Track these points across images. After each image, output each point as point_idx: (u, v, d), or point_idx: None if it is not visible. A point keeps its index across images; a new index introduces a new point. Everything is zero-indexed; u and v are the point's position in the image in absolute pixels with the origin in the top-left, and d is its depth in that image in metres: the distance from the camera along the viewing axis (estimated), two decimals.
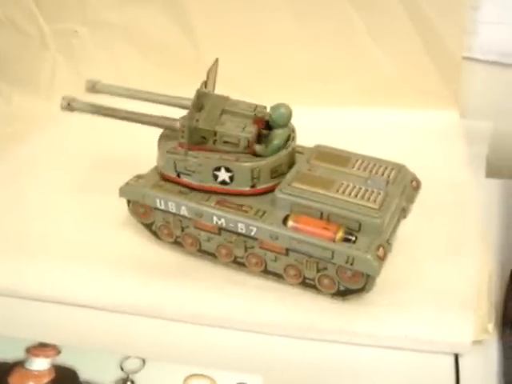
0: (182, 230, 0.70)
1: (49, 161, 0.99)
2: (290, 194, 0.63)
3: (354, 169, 0.67)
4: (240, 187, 0.67)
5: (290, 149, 0.67)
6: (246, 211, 0.65)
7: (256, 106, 0.71)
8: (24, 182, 0.93)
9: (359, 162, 0.68)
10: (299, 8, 1.05)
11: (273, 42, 1.08)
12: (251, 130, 0.65)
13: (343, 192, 0.63)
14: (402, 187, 0.66)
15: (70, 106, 0.72)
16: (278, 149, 0.65)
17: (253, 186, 0.66)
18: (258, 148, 0.66)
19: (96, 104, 0.72)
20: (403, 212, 0.67)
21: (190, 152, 0.67)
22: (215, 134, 0.66)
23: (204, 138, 0.66)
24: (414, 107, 1.02)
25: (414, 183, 0.70)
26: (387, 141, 0.93)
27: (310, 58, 1.06)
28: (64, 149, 1.03)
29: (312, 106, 1.00)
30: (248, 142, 0.65)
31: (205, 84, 0.67)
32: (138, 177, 0.72)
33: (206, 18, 1.07)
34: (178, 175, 0.69)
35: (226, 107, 0.68)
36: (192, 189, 0.69)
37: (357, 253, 0.59)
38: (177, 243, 0.72)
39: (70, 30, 1.14)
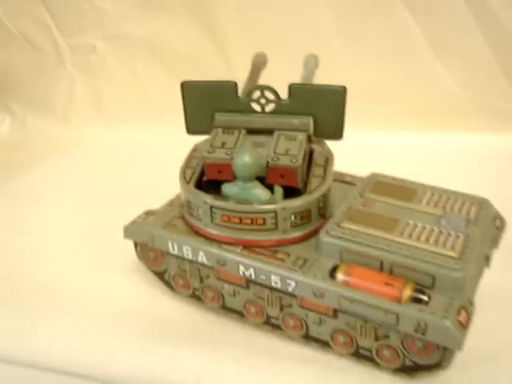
0: (202, 280, 0.62)
1: (57, 190, 0.94)
2: (340, 238, 0.55)
3: (423, 204, 0.59)
4: None
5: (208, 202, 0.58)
6: (281, 259, 0.56)
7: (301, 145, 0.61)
8: (25, 216, 0.86)
9: (428, 194, 0.60)
10: (344, 15, 0.96)
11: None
12: (221, 157, 0.60)
13: (410, 235, 0.54)
14: (485, 227, 0.57)
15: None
16: (227, 197, 0.59)
17: None
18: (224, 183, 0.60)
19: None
20: (486, 260, 0.58)
21: None
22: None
23: None
24: (485, 130, 0.95)
25: (498, 222, 0.61)
26: (457, 169, 0.86)
27: (361, 77, 0.97)
28: (75, 178, 0.97)
29: (364, 131, 0.93)
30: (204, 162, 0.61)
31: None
32: (148, 213, 0.64)
33: (237, 28, 1.01)
34: None
35: (282, 133, 0.63)
36: None
37: (431, 318, 0.49)
38: (195, 297, 0.64)
39: (87, 44, 1.09)
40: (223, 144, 0.61)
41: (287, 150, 0.60)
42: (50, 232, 0.81)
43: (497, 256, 0.60)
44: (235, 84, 0.64)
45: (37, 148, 1.10)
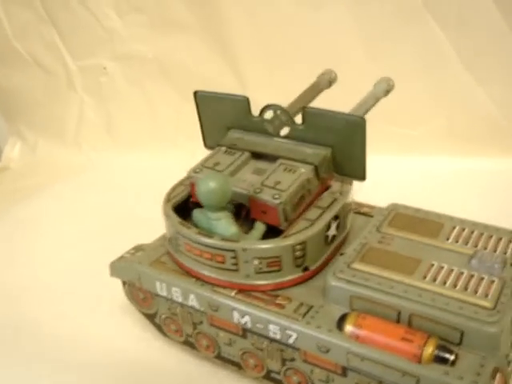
0: (195, 326, 0.56)
1: (60, 218, 0.90)
2: (349, 281, 0.48)
3: (450, 241, 0.52)
4: None
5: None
6: (281, 305, 0.49)
7: (306, 181, 0.53)
8: (21, 247, 0.83)
9: (457, 229, 0.54)
10: (368, 31, 0.90)
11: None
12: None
13: (434, 279, 0.48)
14: None
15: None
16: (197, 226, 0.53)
17: None
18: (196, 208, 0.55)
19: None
20: None
21: None
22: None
23: None
24: None
25: None
26: (492, 199, 0.79)
27: (388, 96, 0.90)
28: (81, 205, 0.93)
29: (392, 155, 0.89)
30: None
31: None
32: (137, 248, 0.59)
33: (251, 46, 0.95)
34: None
35: (284, 162, 0.55)
36: None
37: (458, 383, 0.42)
38: (188, 344, 0.58)
39: (97, 65, 1.06)
40: (215, 164, 0.55)
41: (277, 182, 0.52)
42: (41, 264, 0.78)
43: None
44: (247, 100, 0.58)
45: (47, 173, 1.07)
